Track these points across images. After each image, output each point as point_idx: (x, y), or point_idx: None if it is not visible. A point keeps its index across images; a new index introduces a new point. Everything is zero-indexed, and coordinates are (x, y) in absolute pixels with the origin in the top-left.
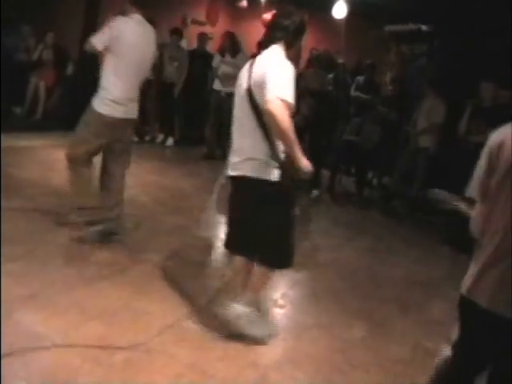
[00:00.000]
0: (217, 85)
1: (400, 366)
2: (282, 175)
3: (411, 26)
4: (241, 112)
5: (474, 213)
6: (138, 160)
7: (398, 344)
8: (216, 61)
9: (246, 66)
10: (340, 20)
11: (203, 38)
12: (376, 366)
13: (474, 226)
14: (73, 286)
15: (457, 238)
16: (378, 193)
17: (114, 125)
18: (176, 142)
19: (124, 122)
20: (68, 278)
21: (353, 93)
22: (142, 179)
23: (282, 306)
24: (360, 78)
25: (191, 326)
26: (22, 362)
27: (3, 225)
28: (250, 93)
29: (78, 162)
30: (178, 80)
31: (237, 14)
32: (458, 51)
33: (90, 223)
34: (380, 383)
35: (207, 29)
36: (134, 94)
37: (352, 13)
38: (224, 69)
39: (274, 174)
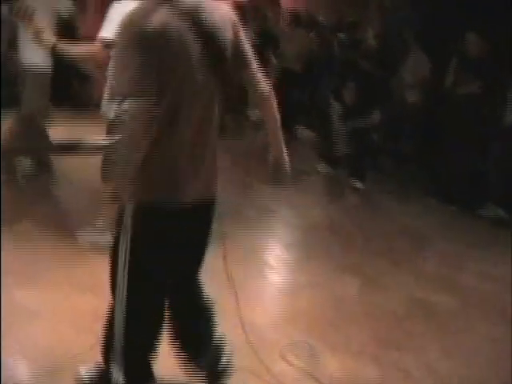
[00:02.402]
0: None
1: (394, 318)
2: None
3: None
4: None
5: None
6: None
7: (392, 297)
8: None
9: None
10: None
11: None
12: (370, 320)
13: None
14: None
15: (443, 190)
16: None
17: None
18: None
19: None
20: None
21: (336, 51)
22: None
23: (275, 268)
24: (342, 36)
25: None
26: (16, 337)
27: None
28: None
29: None
30: None
31: None
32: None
33: None
34: (375, 337)
35: None
36: None
37: None
38: None
39: None
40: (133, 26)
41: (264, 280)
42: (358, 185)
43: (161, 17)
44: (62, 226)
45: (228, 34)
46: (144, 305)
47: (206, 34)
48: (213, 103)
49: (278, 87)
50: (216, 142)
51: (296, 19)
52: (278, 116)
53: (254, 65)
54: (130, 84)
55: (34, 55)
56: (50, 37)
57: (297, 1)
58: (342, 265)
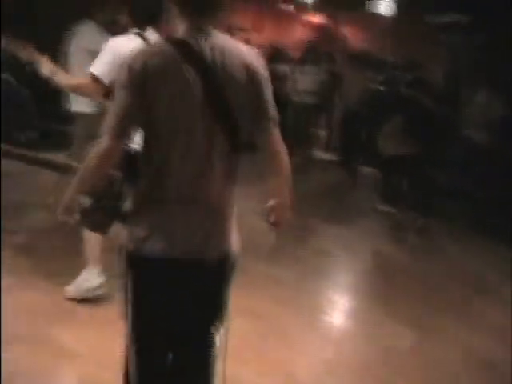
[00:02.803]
0: (296, 96)
1: (448, 375)
2: None
3: (460, 17)
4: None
5: None
6: None
7: (448, 352)
8: (287, 70)
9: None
10: (386, 17)
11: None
12: (422, 376)
13: None
14: None
15: None
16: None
17: None
18: None
19: None
20: None
21: (403, 91)
22: None
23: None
24: (409, 76)
25: None
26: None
27: None
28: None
29: None
30: None
31: (283, 20)
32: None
33: None
34: None
35: (253, 36)
36: None
37: (398, 8)
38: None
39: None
40: (131, 65)
41: (312, 326)
42: (386, 208)
43: (163, 59)
44: None
45: (243, 82)
46: (146, 359)
47: (214, 82)
48: (218, 156)
49: (341, 126)
50: (231, 196)
51: (359, 59)
52: (288, 173)
53: (271, 121)
54: (112, 123)
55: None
56: (49, 65)
57: (364, 41)
58: (397, 314)
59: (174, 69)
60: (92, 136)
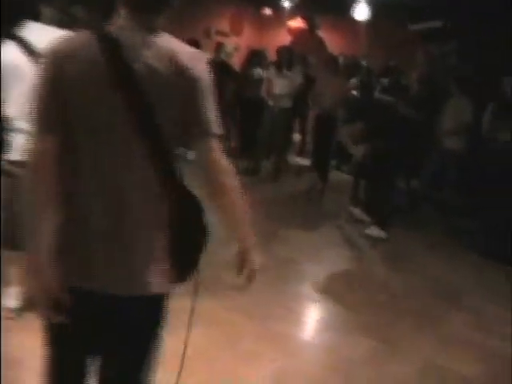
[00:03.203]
0: (271, 101)
1: None
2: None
3: (436, 24)
4: None
5: None
6: None
7: (406, 363)
8: (262, 74)
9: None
10: (364, 22)
11: (220, 47)
12: None
13: None
14: None
15: (485, 243)
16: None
17: None
18: None
19: None
20: None
21: (376, 95)
22: None
23: (282, 322)
24: (385, 81)
25: None
26: None
27: None
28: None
29: None
30: None
31: (261, 24)
32: (480, 47)
33: None
34: None
35: (232, 39)
36: None
37: (376, 14)
38: (280, 83)
39: None
40: (49, 57)
41: (266, 334)
42: (376, 233)
43: (83, 53)
44: None
45: (176, 90)
46: None
47: (138, 85)
48: (141, 179)
49: (313, 130)
50: (157, 224)
51: (335, 63)
52: (240, 201)
53: (209, 135)
54: (39, 118)
55: None
56: None
57: (341, 45)
58: (355, 323)
59: (91, 65)
60: None
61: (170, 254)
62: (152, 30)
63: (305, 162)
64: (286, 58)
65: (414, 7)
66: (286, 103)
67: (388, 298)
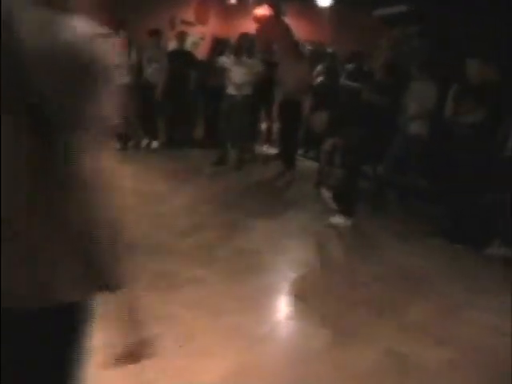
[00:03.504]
0: (230, 89)
1: (366, 377)
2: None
3: (401, 8)
4: None
5: None
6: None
7: (364, 352)
8: (227, 62)
9: None
10: (328, 8)
11: (182, 36)
12: (338, 379)
13: None
14: None
15: (451, 228)
16: (372, 184)
17: None
18: (162, 145)
19: None
20: None
21: (342, 81)
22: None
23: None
24: (350, 66)
25: None
26: None
27: None
28: None
29: None
30: (158, 81)
31: (226, 12)
32: (443, 30)
33: None
34: None
35: (198, 29)
36: None
37: (339, 0)
38: (239, 71)
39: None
40: None
41: (220, 328)
42: (342, 221)
43: None
44: None
45: (63, 73)
46: None
47: (16, 63)
48: (31, 169)
49: (278, 118)
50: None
51: (298, 49)
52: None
53: (95, 130)
54: None
55: None
56: None
57: (306, 32)
58: (314, 314)
59: None
60: None
61: (79, 256)
62: (48, 5)
63: (272, 150)
64: (246, 46)
65: None
66: (246, 90)
67: (349, 286)
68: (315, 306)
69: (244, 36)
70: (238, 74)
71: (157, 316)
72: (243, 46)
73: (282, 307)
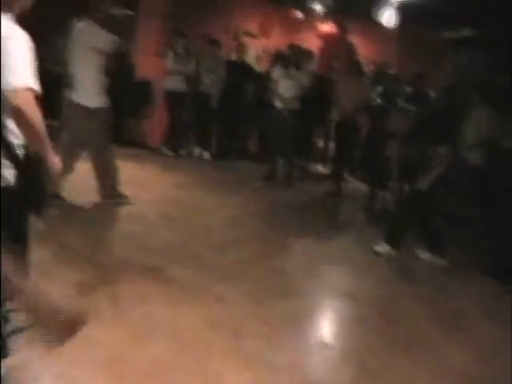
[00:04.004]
0: (277, 102)
1: None
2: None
3: (469, 32)
4: None
5: None
6: (163, 173)
7: None
8: (276, 74)
9: None
10: (394, 28)
11: (242, 48)
12: None
13: None
14: None
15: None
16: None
17: None
18: (213, 156)
19: None
20: None
21: (400, 104)
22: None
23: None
24: (409, 89)
25: None
26: None
27: None
28: None
29: None
30: (214, 91)
31: (290, 26)
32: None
33: None
34: None
35: (260, 41)
36: None
37: (405, 20)
38: (286, 83)
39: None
40: None
41: (235, 347)
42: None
43: None
44: None
45: None
46: None
47: None
48: None
49: (335, 138)
50: None
51: (360, 68)
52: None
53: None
54: None
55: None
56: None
57: (369, 51)
58: (339, 346)
59: None
60: None
61: None
62: None
63: (325, 170)
64: (295, 57)
65: (445, 13)
66: (293, 105)
67: (381, 323)
68: (343, 338)
69: (293, 46)
70: (284, 87)
71: (178, 329)
72: (292, 58)
73: (308, 336)
